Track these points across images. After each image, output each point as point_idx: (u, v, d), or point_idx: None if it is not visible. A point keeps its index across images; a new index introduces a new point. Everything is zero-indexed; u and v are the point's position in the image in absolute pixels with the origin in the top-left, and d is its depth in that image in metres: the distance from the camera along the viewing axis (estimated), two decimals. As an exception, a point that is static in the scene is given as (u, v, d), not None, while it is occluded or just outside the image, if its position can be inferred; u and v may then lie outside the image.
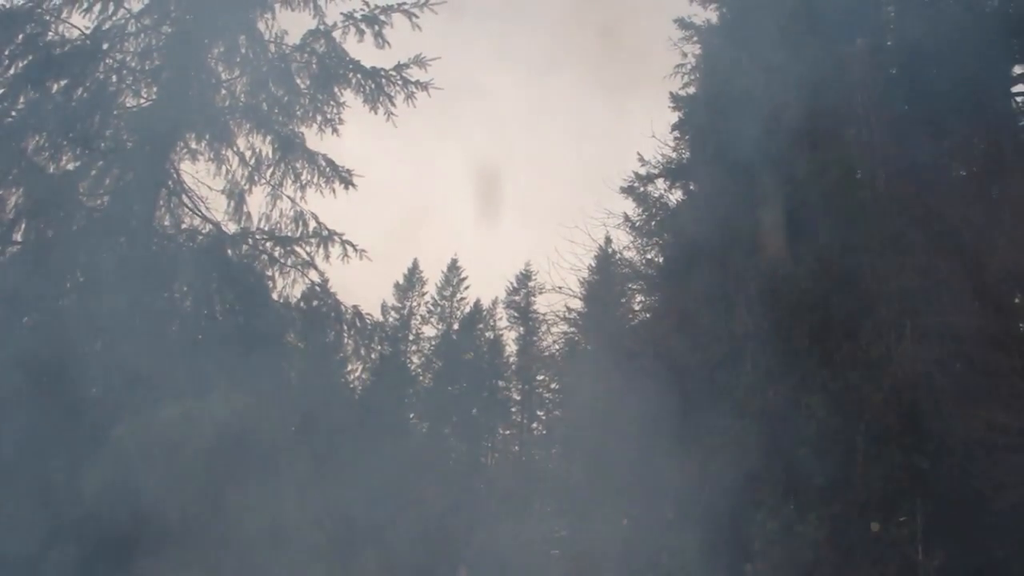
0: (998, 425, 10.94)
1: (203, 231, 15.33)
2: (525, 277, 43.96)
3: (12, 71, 14.16)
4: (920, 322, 11.99)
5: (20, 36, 14.20)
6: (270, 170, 15.89)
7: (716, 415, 13.13)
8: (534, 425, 41.13)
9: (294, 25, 15.95)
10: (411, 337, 43.89)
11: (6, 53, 14.10)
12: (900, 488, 11.68)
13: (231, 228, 15.57)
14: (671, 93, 18.14)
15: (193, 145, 15.43)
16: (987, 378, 11.36)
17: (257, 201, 15.87)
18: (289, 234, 15.74)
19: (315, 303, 15.98)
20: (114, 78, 14.95)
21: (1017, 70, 14.88)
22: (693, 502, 12.97)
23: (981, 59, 13.61)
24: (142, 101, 15.18)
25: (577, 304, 22.61)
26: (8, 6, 14.29)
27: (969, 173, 14.30)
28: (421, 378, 42.41)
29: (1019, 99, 14.99)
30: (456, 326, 44.57)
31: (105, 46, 14.83)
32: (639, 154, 18.44)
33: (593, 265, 23.76)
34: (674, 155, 18.40)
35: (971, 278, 11.97)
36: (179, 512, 11.59)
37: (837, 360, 12.26)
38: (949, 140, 14.08)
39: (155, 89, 15.19)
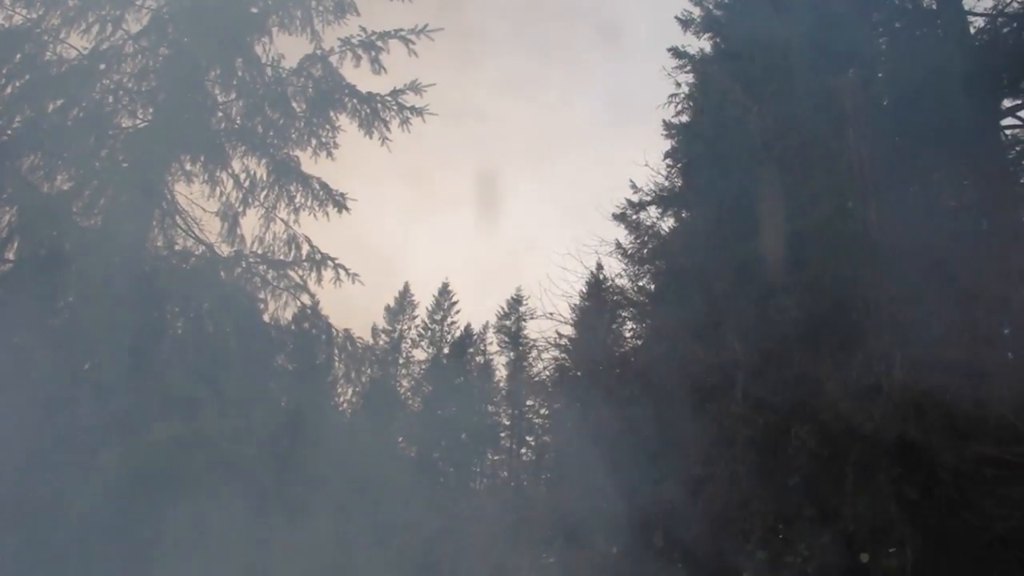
0: (988, 457, 10.96)
1: (196, 252, 15.35)
2: (516, 302, 44.19)
3: (9, 90, 14.21)
4: (910, 353, 12.01)
5: (18, 56, 14.26)
6: (264, 193, 15.97)
7: (706, 444, 13.12)
8: (523, 451, 41.08)
9: (291, 49, 16.08)
10: (401, 361, 43.92)
11: (3, 72, 14.16)
12: (890, 519, 11.65)
13: (224, 250, 15.62)
14: (664, 121, 18.32)
15: (188, 167, 15.51)
16: (977, 409, 11.38)
17: (251, 223, 15.95)
18: (282, 257, 15.82)
19: (306, 325, 15.98)
20: (110, 99, 15.01)
21: (1006, 103, 15.05)
22: (682, 531, 12.93)
23: (971, 92, 13.76)
24: (138, 122, 15.25)
25: (568, 330, 22.60)
26: (7, 26, 14.35)
27: (959, 204, 14.41)
28: (411, 402, 42.36)
29: (1008, 132, 15.15)
30: (446, 350, 44.60)
31: (102, 67, 14.90)
32: (631, 181, 18.54)
33: (584, 292, 23.82)
34: (666, 183, 18.50)
35: (961, 310, 12.02)
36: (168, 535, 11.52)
37: (827, 390, 12.27)
38: (939, 172, 14.21)
39: (151, 110, 15.26)
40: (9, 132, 14.24)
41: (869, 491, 11.69)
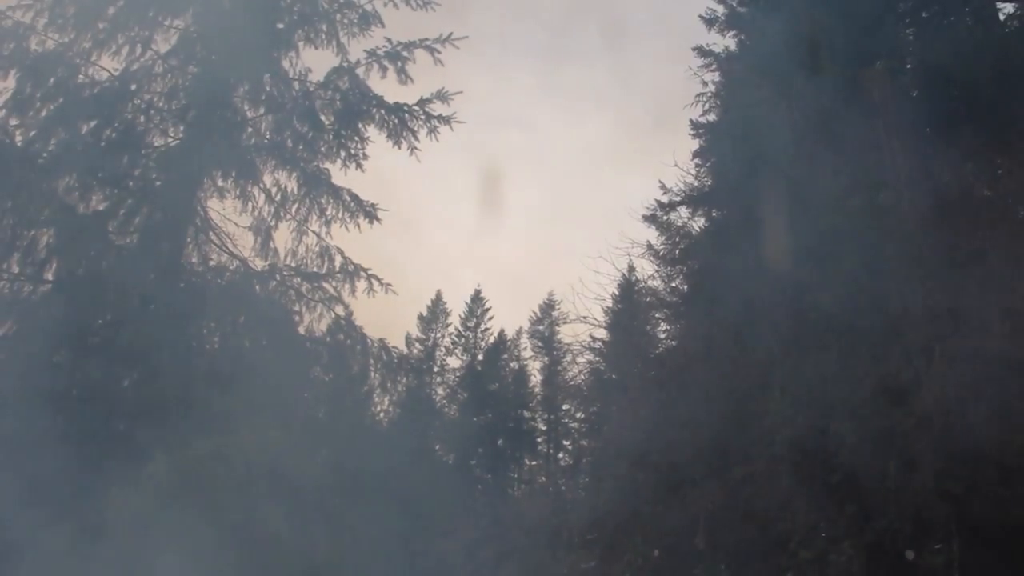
0: (1033, 450, 10.76)
1: (230, 268, 15.53)
2: (549, 307, 44.05)
3: (44, 113, 14.48)
4: (949, 346, 11.84)
5: (52, 80, 14.53)
6: (295, 206, 16.13)
7: (745, 444, 13.02)
8: (560, 456, 40.92)
9: (318, 63, 16.25)
10: (436, 369, 43.93)
11: (38, 96, 14.44)
12: (934, 516, 11.49)
13: (258, 264, 15.79)
14: (691, 121, 18.23)
15: (220, 183, 15.72)
16: (1021, 401, 11.19)
17: (283, 237, 16.12)
18: (315, 269, 15.95)
19: (341, 336, 16.08)
20: (142, 118, 15.25)
21: (1039, 90, 14.81)
22: (724, 532, 12.84)
23: (1001, 79, 13.57)
24: (170, 140, 15.47)
25: (602, 333, 22.53)
26: (41, 51, 14.62)
27: (994, 193, 14.20)
28: (446, 409, 42.40)
29: (1042, 119, 14.89)
30: (480, 357, 44.58)
31: (133, 87, 15.15)
32: (661, 182, 18.48)
33: (617, 294, 23.73)
34: (696, 182, 18.41)
35: (999, 300, 11.84)
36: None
37: (866, 386, 12.13)
38: (972, 161, 14.01)
39: (182, 128, 15.48)
40: (45, 155, 14.51)
41: (912, 487, 11.52)
